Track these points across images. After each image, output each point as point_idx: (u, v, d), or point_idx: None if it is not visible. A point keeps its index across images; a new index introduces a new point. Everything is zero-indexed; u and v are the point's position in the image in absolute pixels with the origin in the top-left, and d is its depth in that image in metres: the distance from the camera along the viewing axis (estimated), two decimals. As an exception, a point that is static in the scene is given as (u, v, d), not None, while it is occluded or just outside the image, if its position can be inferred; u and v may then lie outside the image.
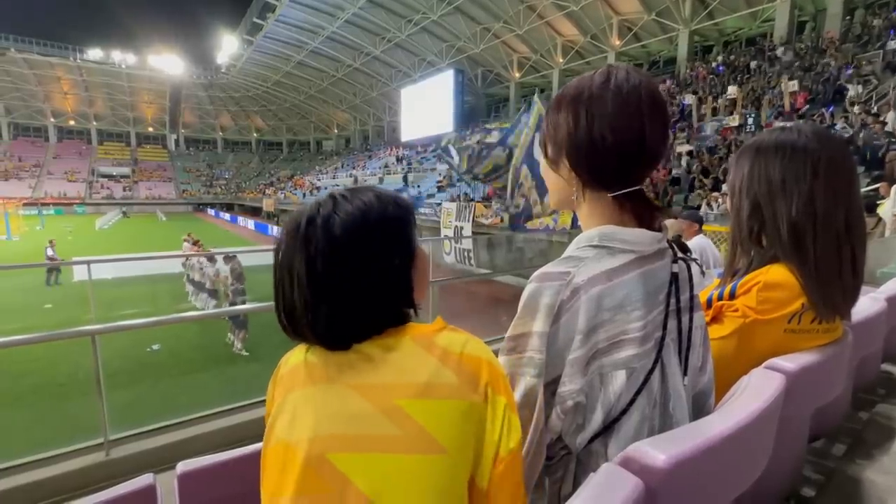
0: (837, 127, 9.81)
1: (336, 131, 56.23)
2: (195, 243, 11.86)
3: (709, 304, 0.94)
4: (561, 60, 26.08)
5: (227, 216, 40.46)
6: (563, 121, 0.69)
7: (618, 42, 23.11)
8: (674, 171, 12.13)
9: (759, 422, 0.65)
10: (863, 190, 6.13)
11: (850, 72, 11.99)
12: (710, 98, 15.07)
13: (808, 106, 11.94)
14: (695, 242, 3.35)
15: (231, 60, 45.89)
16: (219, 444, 2.43)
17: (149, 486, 0.93)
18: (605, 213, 0.70)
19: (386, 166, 34.01)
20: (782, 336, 0.88)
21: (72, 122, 57.22)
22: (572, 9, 22.39)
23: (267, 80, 47.12)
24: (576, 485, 0.66)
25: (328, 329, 0.59)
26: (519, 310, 0.67)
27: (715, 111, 14.30)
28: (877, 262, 2.52)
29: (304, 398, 0.58)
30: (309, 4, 29.68)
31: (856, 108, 10.32)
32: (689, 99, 15.71)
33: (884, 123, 9.01)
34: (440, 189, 21.74)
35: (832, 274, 0.86)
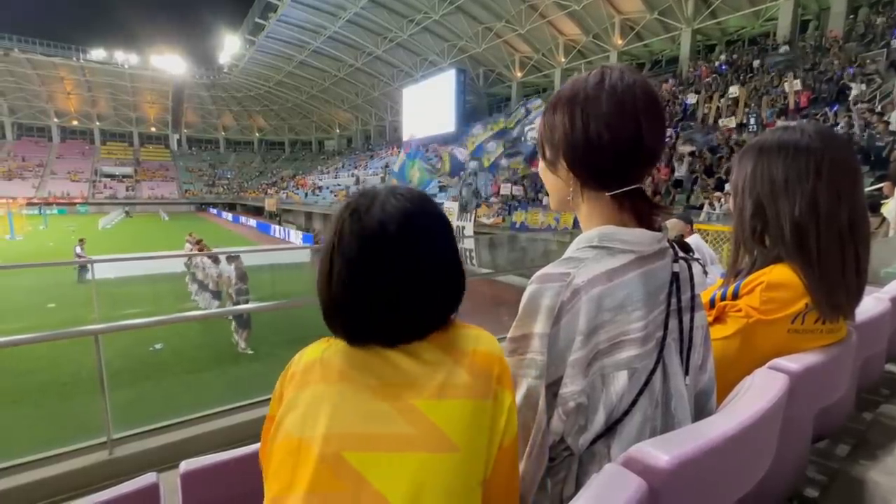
0: (840, 126, 9.76)
1: (338, 131, 56.27)
2: (197, 243, 11.89)
3: (712, 304, 0.94)
4: (563, 60, 26.03)
5: (229, 216, 40.56)
6: (559, 122, 0.69)
7: (620, 41, 23.05)
8: (676, 171, 12.09)
9: (762, 422, 0.65)
10: (866, 189, 6.10)
11: (852, 71, 11.92)
12: (712, 97, 15.01)
13: (811, 106, 11.88)
14: (690, 241, 3.39)
15: (233, 60, 45.95)
16: (222, 444, 2.44)
17: (152, 485, 0.94)
18: (603, 213, 0.70)
19: (386, 166, 33.99)
20: (786, 336, 0.88)
21: (75, 122, 57.42)
22: (574, 8, 22.33)
23: (269, 80, 47.17)
24: (578, 486, 0.66)
25: (389, 326, 0.59)
26: (519, 311, 0.67)
27: (717, 110, 14.24)
28: (881, 262, 2.51)
29: (319, 396, 0.58)
30: (311, 4, 29.69)
31: (859, 107, 10.26)
32: (692, 98, 15.66)
33: (888, 123, 8.96)
34: (441, 189, 21.72)
35: (836, 274, 0.85)
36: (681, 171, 11.95)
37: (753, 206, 0.93)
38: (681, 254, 0.71)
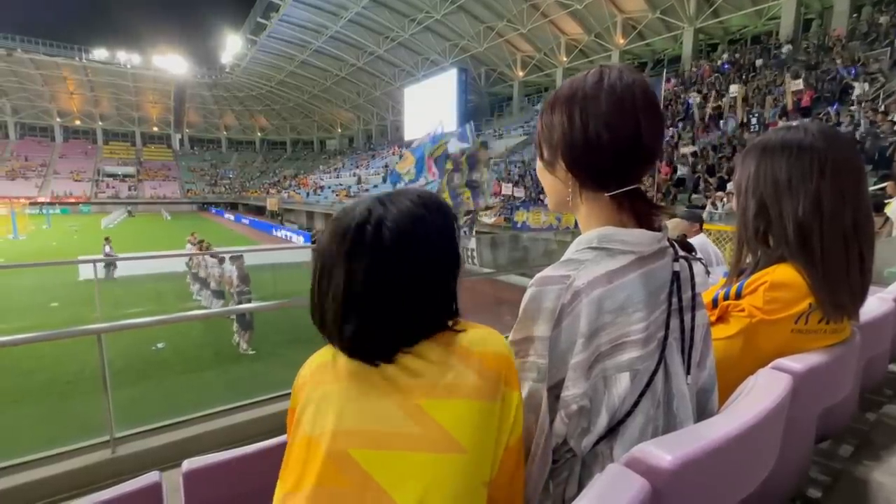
0: (844, 126, 9.73)
1: (339, 130, 56.34)
2: (199, 243, 11.92)
3: (714, 303, 0.93)
4: (565, 59, 26.01)
5: (230, 217, 40.61)
6: (557, 122, 0.68)
7: (622, 40, 23.02)
8: (679, 171, 12.07)
9: (765, 422, 0.64)
10: (870, 189, 6.08)
11: (854, 71, 11.86)
12: (714, 96, 14.98)
13: (813, 105, 11.83)
14: (695, 241, 3.36)
15: (235, 60, 46.06)
16: (224, 443, 2.45)
17: (154, 483, 0.94)
18: (602, 213, 0.69)
19: (386, 166, 34.02)
20: (789, 336, 0.88)
21: (77, 122, 57.64)
22: (576, 7, 22.31)
23: (271, 80, 47.25)
24: (580, 486, 0.66)
25: (364, 343, 0.59)
26: (520, 314, 0.67)
27: (719, 109, 14.20)
28: (884, 262, 2.50)
29: (329, 394, 0.59)
30: (312, 4, 29.74)
31: (862, 107, 10.22)
32: (694, 98, 15.62)
33: (893, 122, 8.91)
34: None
35: (840, 274, 0.85)
36: (683, 171, 11.92)
37: (757, 206, 0.93)
38: (681, 253, 0.71)
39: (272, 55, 40.11)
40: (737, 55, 17.70)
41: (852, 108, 10.48)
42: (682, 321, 0.69)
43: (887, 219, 5.16)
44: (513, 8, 24.27)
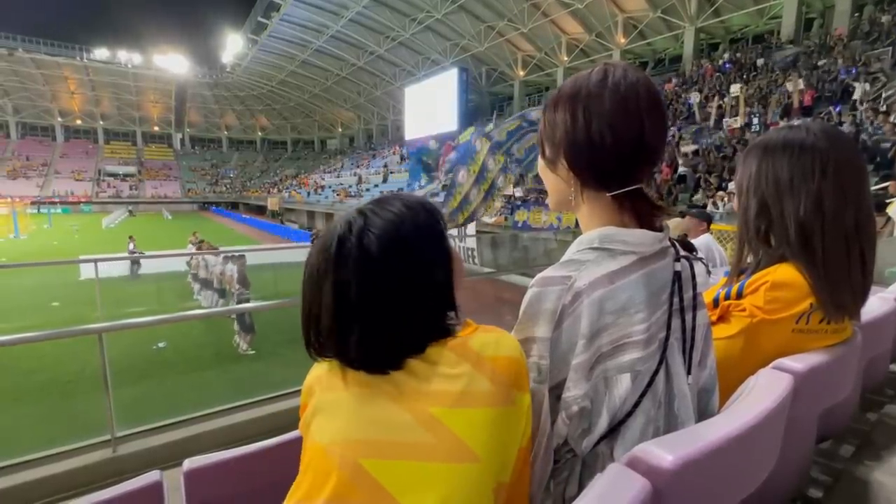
0: (845, 126, 9.70)
1: (340, 130, 56.35)
2: (199, 243, 11.93)
3: (715, 303, 0.93)
4: (566, 59, 25.98)
5: (232, 215, 40.62)
6: (560, 120, 0.68)
7: (623, 40, 22.98)
8: (680, 170, 12.05)
9: (766, 422, 0.64)
10: (872, 189, 6.07)
11: (855, 71, 11.83)
12: (715, 96, 14.95)
13: (815, 105, 11.81)
14: (700, 241, 3.34)
15: (236, 60, 46.07)
16: (225, 442, 2.46)
17: (155, 482, 0.94)
18: (604, 213, 0.69)
19: (385, 166, 34.03)
20: (790, 336, 0.88)
21: (78, 122, 57.70)
22: (577, 7, 22.28)
23: (271, 80, 47.26)
24: (580, 486, 0.66)
25: (366, 355, 0.58)
26: (520, 315, 0.66)
27: (720, 109, 14.18)
28: (886, 262, 2.50)
29: (339, 402, 0.58)
30: (313, 3, 29.74)
31: (863, 106, 10.20)
32: (695, 97, 15.59)
33: (895, 123, 8.89)
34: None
35: (841, 274, 0.85)
36: (684, 170, 11.90)
37: (758, 206, 0.93)
38: (682, 252, 0.71)
39: (273, 55, 40.12)
40: (738, 55, 17.67)
41: (855, 111, 10.45)
42: (683, 321, 0.69)
43: (889, 219, 5.15)
44: (513, 7, 24.24)
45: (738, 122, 12.71)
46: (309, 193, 37.27)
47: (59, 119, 56.15)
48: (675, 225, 3.53)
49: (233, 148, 66.59)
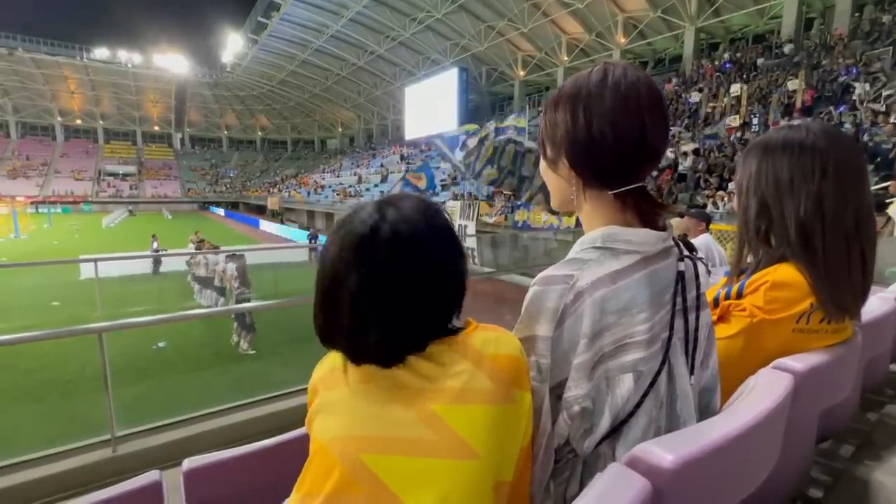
0: (845, 126, 9.70)
1: (340, 130, 56.34)
2: (200, 242, 11.93)
3: (716, 303, 0.93)
4: (566, 58, 25.97)
5: (233, 215, 40.64)
6: (561, 119, 0.68)
7: (623, 40, 22.97)
8: (680, 169, 12.05)
9: (766, 422, 0.64)
10: (872, 189, 6.07)
11: (855, 71, 11.82)
12: (715, 96, 14.95)
13: (815, 105, 11.80)
14: (699, 241, 3.34)
15: (236, 59, 46.06)
16: (225, 442, 2.46)
17: (155, 482, 0.94)
18: (606, 212, 0.68)
19: (382, 165, 34.04)
20: (790, 336, 0.88)
21: (78, 121, 57.70)
22: (577, 6, 22.27)
23: (271, 79, 47.26)
24: (581, 486, 0.66)
25: (380, 349, 0.58)
26: (522, 313, 0.66)
27: (721, 109, 14.18)
28: (886, 262, 2.50)
29: (341, 399, 0.58)
30: (313, 3, 29.73)
31: (864, 107, 10.19)
32: (695, 97, 15.59)
33: (895, 124, 8.88)
34: (444, 188, 21.72)
35: (841, 274, 0.85)
36: (684, 170, 11.90)
37: (758, 206, 0.93)
38: (686, 252, 0.71)
39: (273, 54, 40.12)
40: (738, 54, 17.66)
41: (855, 111, 10.44)
42: (686, 321, 0.68)
43: (889, 218, 5.15)
44: (514, 7, 24.23)
45: (736, 121, 12.71)
46: (309, 193, 37.28)
47: (59, 119, 56.14)
48: (675, 225, 3.53)
49: (233, 148, 66.59)
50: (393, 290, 0.57)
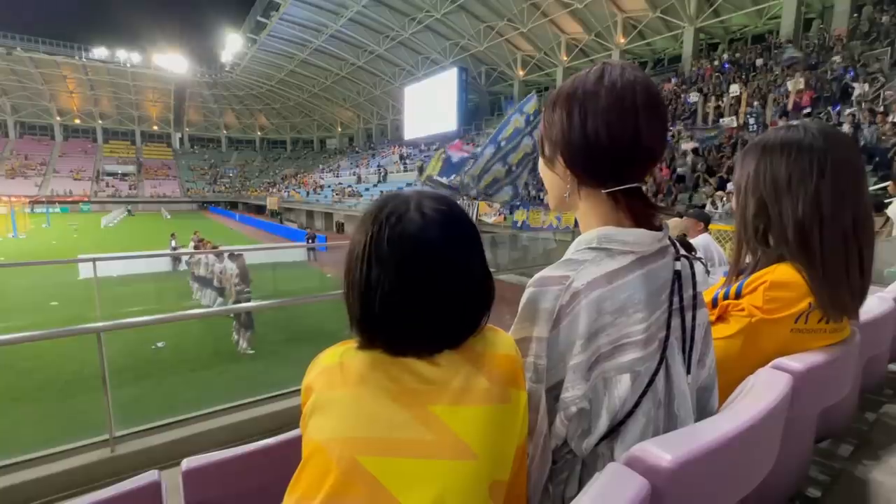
0: (844, 126, 9.71)
1: (340, 129, 56.29)
2: (199, 242, 11.92)
3: (714, 303, 0.93)
4: (565, 58, 25.97)
5: (233, 215, 40.62)
6: (557, 118, 0.68)
7: (622, 40, 22.98)
8: (678, 170, 12.06)
9: (765, 422, 0.64)
10: (871, 189, 6.08)
11: (852, 74, 11.84)
12: (714, 96, 14.96)
13: (813, 105, 11.82)
14: (699, 241, 3.34)
15: (235, 59, 46.00)
16: (223, 441, 2.45)
17: (154, 482, 0.94)
18: (600, 211, 0.69)
19: (379, 166, 34.00)
20: (789, 336, 0.88)
21: (77, 121, 57.61)
22: (577, 6, 22.27)
23: (271, 79, 47.21)
24: (580, 486, 0.66)
25: (426, 339, 0.58)
26: (518, 314, 0.66)
27: (719, 109, 14.19)
28: (885, 262, 2.50)
29: (337, 400, 0.57)
30: (313, 3, 29.70)
31: (862, 107, 10.21)
32: (694, 97, 15.59)
33: (894, 123, 8.89)
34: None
35: (839, 274, 0.85)
36: (683, 170, 11.91)
37: (756, 206, 0.93)
38: (682, 252, 0.71)
39: (272, 54, 40.06)
40: (737, 55, 17.67)
41: (853, 109, 10.46)
42: (683, 320, 0.68)
43: (888, 219, 5.15)
44: (513, 7, 24.22)
45: (735, 121, 12.72)
46: (308, 193, 37.24)
47: (58, 118, 56.04)
48: (673, 225, 3.53)
49: (232, 147, 66.53)
50: (448, 280, 0.57)
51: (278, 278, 10.47)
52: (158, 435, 2.44)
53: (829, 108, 11.10)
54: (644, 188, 0.71)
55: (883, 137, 8.73)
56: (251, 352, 6.62)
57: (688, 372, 0.69)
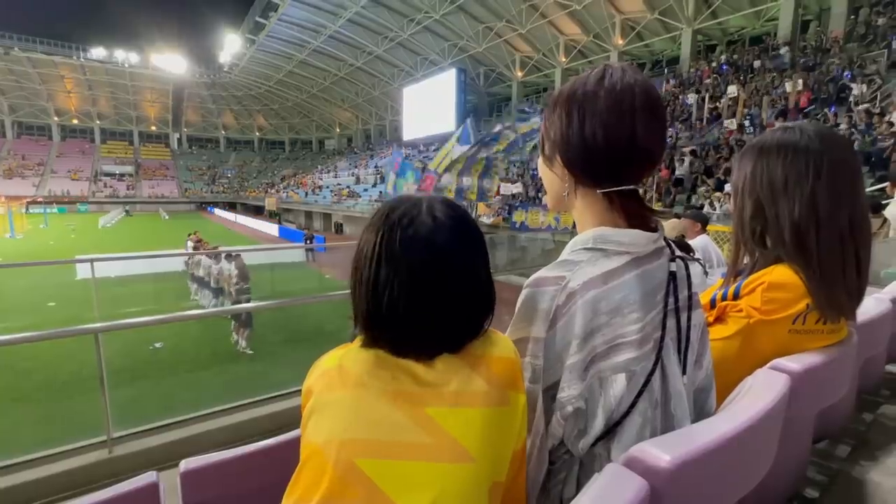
0: (841, 127, 9.75)
1: (338, 130, 56.25)
2: (197, 242, 11.90)
3: (712, 304, 0.94)
4: (564, 60, 26.01)
5: (229, 216, 40.58)
6: (557, 119, 0.69)
7: (621, 41, 23.03)
8: (677, 171, 12.09)
9: (763, 422, 0.64)
10: (869, 190, 6.09)
11: (849, 75, 11.88)
12: (712, 97, 15.00)
13: (811, 106, 11.86)
14: (697, 242, 3.34)
15: (234, 59, 45.93)
16: (222, 442, 2.45)
17: (151, 483, 0.94)
18: (595, 211, 0.69)
19: (377, 167, 33.96)
20: (787, 336, 0.88)
21: (75, 121, 57.44)
22: (575, 8, 22.31)
23: (269, 79, 47.16)
24: (578, 487, 0.66)
25: (428, 341, 0.58)
26: (514, 315, 0.67)
27: (717, 111, 14.22)
28: (882, 263, 2.51)
29: (336, 402, 0.57)
30: (312, 3, 29.68)
31: (859, 108, 10.25)
32: (692, 98, 15.63)
33: (891, 124, 8.93)
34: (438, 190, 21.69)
35: (836, 274, 0.85)
36: (681, 171, 11.94)
37: (753, 207, 0.93)
38: (678, 252, 0.71)
39: (271, 55, 40.02)
40: (735, 56, 17.73)
41: (850, 112, 10.50)
42: (678, 321, 0.69)
43: (885, 220, 5.16)
44: (512, 8, 24.26)
45: (734, 122, 12.76)
46: (307, 194, 37.20)
47: (56, 118, 55.87)
48: (672, 226, 3.53)
49: (230, 148, 66.41)
50: (456, 281, 0.57)
51: (276, 279, 10.46)
52: (157, 436, 2.44)
53: (827, 110, 11.14)
54: (642, 190, 0.71)
55: (879, 138, 8.76)
56: (250, 352, 6.61)
57: (683, 372, 0.70)
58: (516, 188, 16.10)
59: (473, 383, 0.57)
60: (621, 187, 0.67)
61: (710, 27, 20.73)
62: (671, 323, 0.68)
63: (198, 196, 54.85)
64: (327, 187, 36.32)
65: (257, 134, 65.98)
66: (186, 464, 0.95)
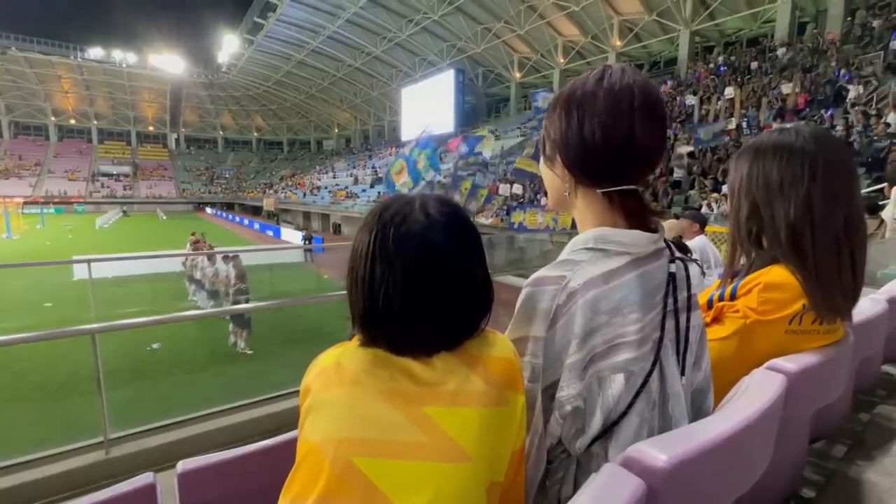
0: (838, 128, 9.79)
1: (337, 131, 56.22)
2: (195, 242, 11.87)
3: (709, 304, 0.94)
4: (562, 61, 26.06)
5: (228, 216, 40.50)
6: (557, 119, 0.70)
7: (619, 42, 23.09)
8: (675, 172, 12.11)
9: (760, 422, 0.65)
10: (866, 191, 6.11)
11: (848, 77, 11.94)
12: (711, 99, 15.05)
13: (808, 108, 11.91)
14: (695, 242, 3.35)
15: (232, 59, 45.88)
16: (221, 443, 2.44)
17: (149, 484, 0.93)
18: (595, 211, 0.70)
19: (374, 167, 33.92)
20: (783, 337, 0.88)
21: (72, 121, 57.26)
22: (573, 9, 22.36)
23: (268, 80, 47.11)
24: (576, 486, 0.66)
25: (425, 339, 0.58)
26: (515, 314, 0.67)
27: (715, 112, 14.27)
28: (878, 264, 2.52)
29: (333, 400, 0.57)
30: (310, 4, 29.67)
31: (856, 110, 10.30)
32: (690, 100, 15.68)
33: (888, 125, 8.98)
34: (442, 186, 21.69)
35: (832, 275, 0.86)
36: (679, 173, 11.97)
37: (749, 208, 0.94)
38: (677, 254, 0.71)
39: (269, 55, 39.98)
40: (732, 58, 17.79)
41: (847, 114, 10.54)
42: (677, 322, 0.69)
43: (882, 221, 5.18)
44: (510, 9, 24.30)
45: (732, 123, 12.80)
46: (305, 194, 37.14)
47: (53, 118, 55.69)
48: (669, 226, 3.54)
49: (228, 148, 66.29)
50: (450, 279, 0.57)
51: (275, 279, 10.44)
52: (154, 437, 2.43)
53: (823, 111, 11.19)
54: (640, 190, 0.71)
55: (876, 139, 8.80)
56: (249, 352, 6.59)
57: (682, 373, 0.70)
58: (517, 188, 16.11)
59: (471, 383, 0.57)
60: (621, 187, 0.67)
61: (708, 29, 20.81)
62: (670, 324, 0.68)
63: (195, 197, 54.71)
64: (325, 188, 36.27)
65: (255, 134, 65.87)
66: (184, 464, 0.94)
